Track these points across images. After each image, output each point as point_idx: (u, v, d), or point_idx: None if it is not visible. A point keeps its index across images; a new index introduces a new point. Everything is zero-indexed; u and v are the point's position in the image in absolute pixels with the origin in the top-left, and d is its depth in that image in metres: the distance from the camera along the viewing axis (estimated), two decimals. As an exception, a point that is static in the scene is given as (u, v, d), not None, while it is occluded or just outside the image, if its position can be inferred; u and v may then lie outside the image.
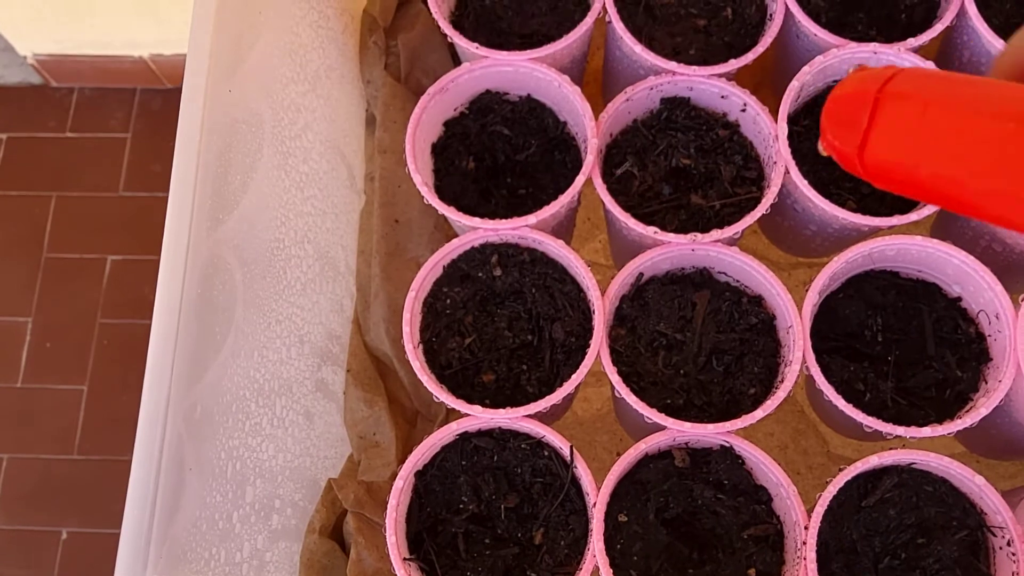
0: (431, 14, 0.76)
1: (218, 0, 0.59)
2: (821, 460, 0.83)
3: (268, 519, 0.64)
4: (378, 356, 0.81)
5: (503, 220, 0.70)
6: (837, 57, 0.73)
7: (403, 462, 0.75)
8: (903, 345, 0.71)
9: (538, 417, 0.68)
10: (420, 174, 0.72)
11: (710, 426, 0.66)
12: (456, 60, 0.86)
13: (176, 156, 0.57)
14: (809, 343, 0.67)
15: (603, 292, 0.69)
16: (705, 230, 0.73)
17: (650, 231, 0.70)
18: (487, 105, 0.77)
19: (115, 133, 1.71)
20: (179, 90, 0.58)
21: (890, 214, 0.73)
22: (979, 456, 0.82)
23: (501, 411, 0.67)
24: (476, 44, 0.74)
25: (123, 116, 1.72)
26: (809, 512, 0.64)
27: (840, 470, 0.65)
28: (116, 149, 1.70)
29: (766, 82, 0.89)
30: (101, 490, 1.56)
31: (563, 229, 0.80)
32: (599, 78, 0.92)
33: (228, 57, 0.61)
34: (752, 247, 0.88)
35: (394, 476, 0.74)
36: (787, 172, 0.71)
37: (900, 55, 0.72)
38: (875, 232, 0.73)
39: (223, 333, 0.61)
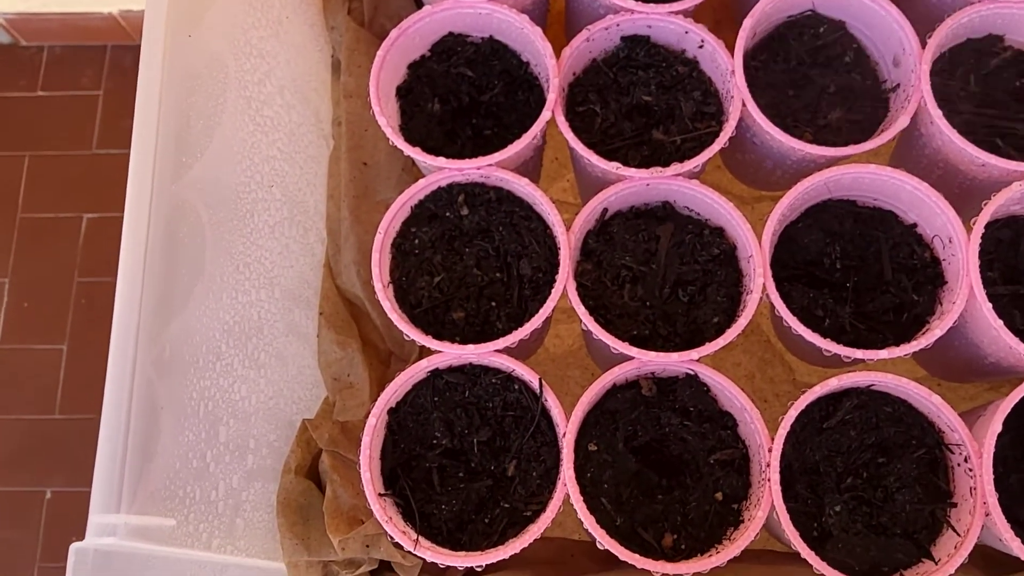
0: (392, -42, 0.77)
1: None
2: (787, 388, 0.85)
3: (243, 459, 0.66)
4: (350, 299, 0.82)
5: (469, 160, 0.71)
6: (791, -9, 0.74)
7: (376, 400, 0.77)
8: (861, 271, 0.73)
9: (510, 354, 0.70)
10: (385, 117, 0.73)
11: (674, 355, 0.67)
12: (420, 4, 0.86)
13: (137, 105, 0.58)
14: (769, 271, 0.69)
15: (559, 214, 0.71)
16: (666, 164, 0.74)
17: (612, 166, 0.71)
18: (450, 47, 0.78)
19: (86, 91, 1.69)
20: None
21: (845, 143, 0.75)
22: (939, 379, 0.84)
23: (471, 347, 0.69)
24: (436, -14, 0.75)
25: (94, 73, 1.71)
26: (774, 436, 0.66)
27: (802, 393, 0.67)
28: (88, 107, 1.69)
29: (726, 19, 0.90)
30: (84, 449, 1.55)
31: (530, 168, 0.82)
32: (562, 20, 0.93)
33: (188, 4, 0.61)
34: (716, 182, 0.89)
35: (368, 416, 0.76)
36: (744, 106, 0.72)
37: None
38: (833, 163, 0.74)
39: (191, 277, 0.62)
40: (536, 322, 0.68)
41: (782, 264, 0.73)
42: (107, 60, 1.73)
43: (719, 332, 0.70)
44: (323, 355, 0.80)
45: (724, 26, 0.89)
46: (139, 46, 0.60)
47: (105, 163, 1.67)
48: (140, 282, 0.55)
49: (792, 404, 0.66)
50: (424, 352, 0.71)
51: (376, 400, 0.77)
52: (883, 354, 0.67)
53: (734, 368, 0.86)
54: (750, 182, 0.88)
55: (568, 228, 0.71)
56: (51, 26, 1.68)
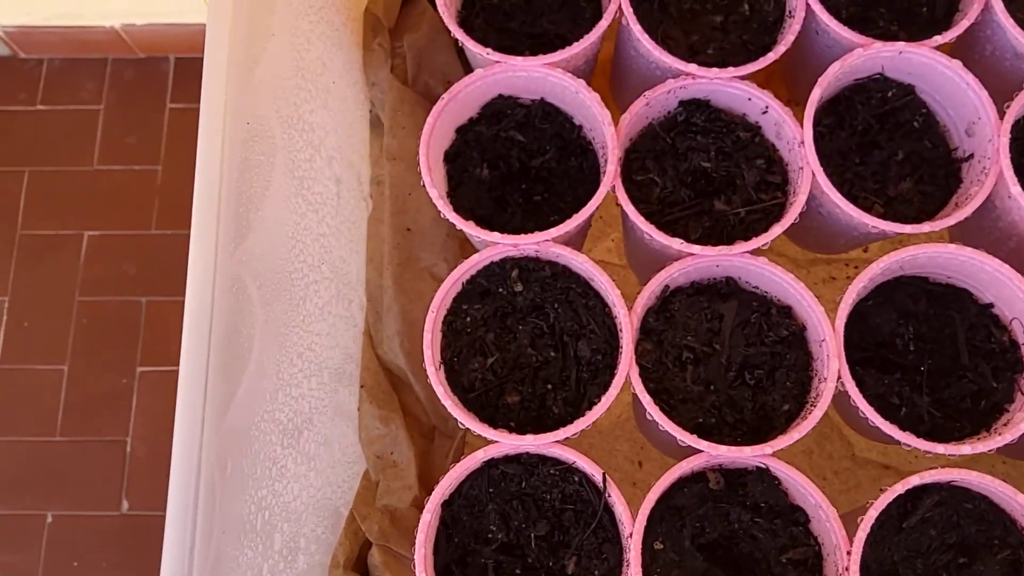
0: (437, 14, 0.73)
1: (232, 13, 0.55)
2: (847, 464, 0.82)
3: (295, 562, 0.62)
4: (391, 370, 0.78)
5: (523, 235, 0.68)
6: (862, 57, 0.70)
7: (422, 481, 0.73)
8: (935, 355, 0.69)
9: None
10: (436, 186, 0.69)
11: (747, 449, 0.64)
12: (463, 60, 0.82)
13: (197, 185, 0.54)
14: (844, 359, 0.65)
15: (618, 291, 0.67)
16: (729, 237, 0.71)
17: (676, 243, 0.67)
18: (500, 110, 0.74)
19: (87, 105, 1.65)
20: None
21: (917, 217, 0.71)
22: (1005, 458, 0.81)
23: (529, 437, 0.65)
24: (488, 49, 0.71)
25: (95, 87, 1.66)
26: (848, 530, 0.63)
27: (881, 491, 0.63)
28: (89, 121, 1.65)
29: (777, 73, 0.87)
30: (85, 472, 1.53)
31: (579, 234, 0.78)
32: (606, 69, 0.89)
33: (239, 68, 0.58)
34: (771, 244, 0.86)
35: (416, 501, 0.72)
36: (814, 176, 0.69)
37: (927, 54, 0.70)
38: (904, 237, 0.71)
39: (239, 368, 0.58)
40: (599, 411, 0.65)
41: (852, 345, 0.69)
42: (108, 73, 1.69)
43: (789, 420, 0.67)
44: (365, 431, 0.76)
45: (774, 79, 0.86)
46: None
47: (106, 179, 1.64)
48: (203, 378, 0.51)
49: (871, 504, 0.63)
50: (470, 431, 0.68)
51: (420, 479, 0.73)
52: (966, 449, 0.64)
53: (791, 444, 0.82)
54: (806, 245, 0.84)
55: (615, 291, 0.67)
56: (52, 39, 1.64)
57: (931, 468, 0.64)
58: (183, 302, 0.55)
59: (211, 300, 0.53)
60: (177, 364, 0.54)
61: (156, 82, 1.64)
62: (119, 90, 1.67)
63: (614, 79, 0.87)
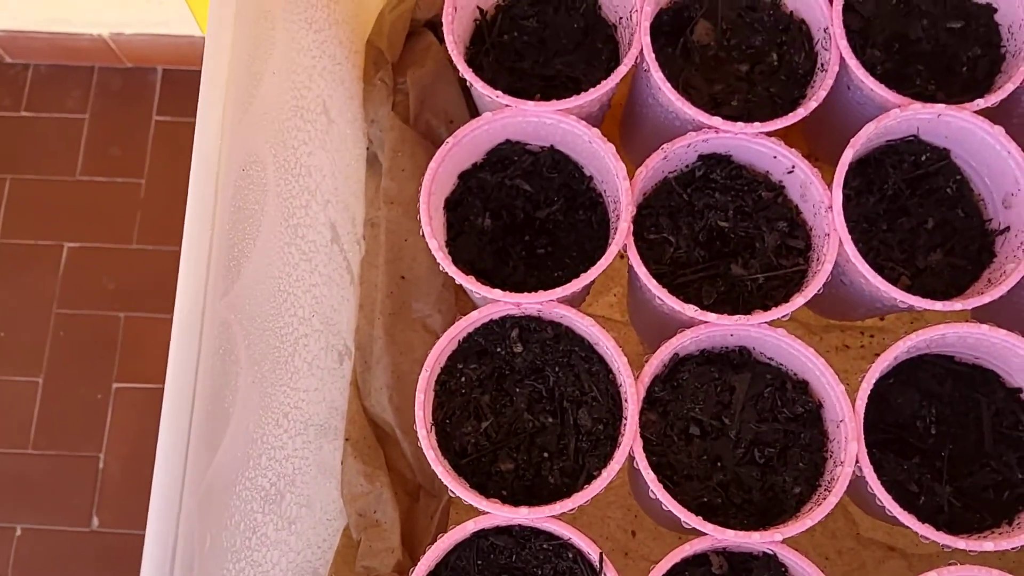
0: (444, 49, 0.69)
1: (231, 48, 0.51)
2: (850, 544, 0.77)
3: (268, 637, 0.58)
4: (378, 423, 0.74)
5: (526, 294, 0.63)
6: (898, 118, 0.66)
7: (405, 542, 0.69)
8: (958, 440, 0.65)
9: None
10: (435, 236, 0.64)
11: (755, 535, 0.60)
12: (468, 99, 0.78)
13: (187, 228, 0.50)
14: (863, 444, 0.61)
15: (624, 358, 0.63)
16: (746, 303, 0.67)
17: (690, 310, 0.63)
18: (506, 156, 0.70)
19: (72, 113, 1.62)
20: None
21: (946, 291, 0.67)
22: None
23: (522, 510, 0.60)
24: (497, 92, 0.67)
25: (80, 95, 1.63)
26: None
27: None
28: (73, 130, 1.62)
29: (796, 126, 0.82)
30: (57, 486, 1.50)
31: (583, 292, 0.74)
32: (617, 115, 0.85)
33: (235, 108, 0.53)
34: (779, 303, 0.82)
35: (399, 566, 0.68)
36: (841, 245, 0.64)
37: (968, 118, 0.66)
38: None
39: (220, 428, 0.54)
40: (598, 487, 0.61)
41: (870, 426, 0.65)
42: (94, 82, 1.66)
43: (800, 504, 0.63)
44: (347, 487, 0.71)
45: (793, 131, 0.82)
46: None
47: (89, 190, 1.61)
48: (184, 448, 0.47)
49: (886, 601, 0.59)
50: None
51: (403, 541, 0.69)
52: (988, 546, 0.60)
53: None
54: (821, 311, 0.80)
55: (628, 365, 0.63)
56: (38, 44, 1.61)
57: (949, 563, 0.60)
58: (162, 319, 0.52)
59: (197, 354, 0.49)
60: (153, 382, 0.50)
61: (143, 93, 1.61)
62: (105, 99, 1.64)
63: (625, 127, 0.83)
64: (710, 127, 0.67)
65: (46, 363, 1.53)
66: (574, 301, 0.69)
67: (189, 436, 0.47)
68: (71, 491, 1.45)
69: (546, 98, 0.67)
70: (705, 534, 0.60)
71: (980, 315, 0.72)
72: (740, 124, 0.66)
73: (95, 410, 1.49)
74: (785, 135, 0.69)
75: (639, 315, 0.78)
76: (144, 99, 1.61)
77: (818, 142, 0.79)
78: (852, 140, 0.66)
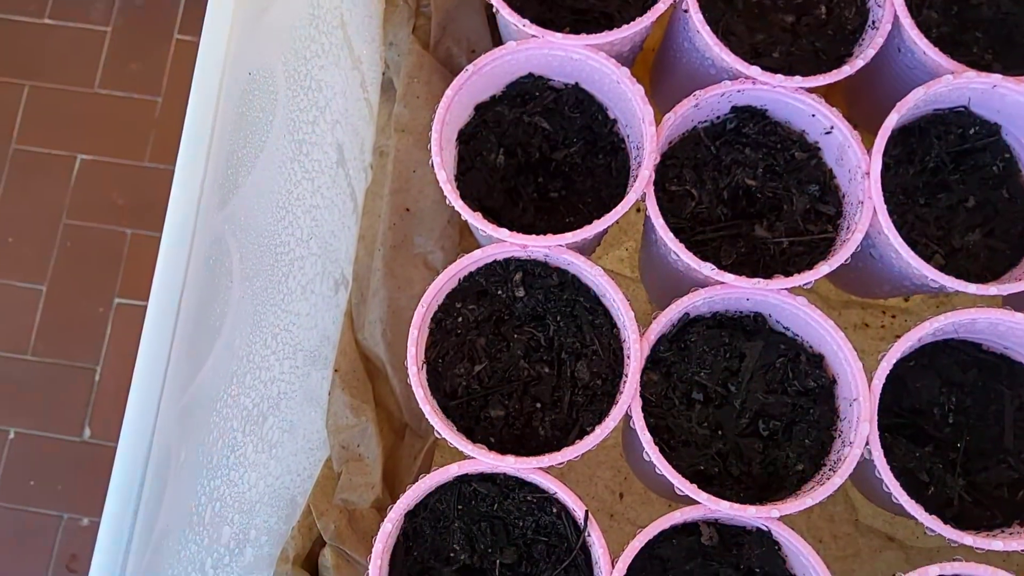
0: (474, -29, 0.64)
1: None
2: (847, 530, 0.74)
3: (242, 554, 0.56)
4: (369, 357, 0.70)
5: (534, 236, 0.60)
6: (949, 85, 0.62)
7: (386, 480, 0.66)
8: (976, 432, 0.62)
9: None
10: (445, 168, 0.61)
11: (751, 508, 0.56)
12: (493, 28, 0.74)
13: (187, 125, 0.47)
14: (876, 426, 0.58)
15: (631, 312, 0.59)
16: (767, 268, 0.63)
17: (707, 268, 0.59)
18: (527, 91, 0.66)
19: (95, 25, 1.59)
20: None
21: (980, 274, 0.63)
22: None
23: (510, 459, 0.57)
24: (525, 20, 0.63)
25: (104, 7, 1.60)
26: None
27: (894, 579, 0.56)
28: (95, 42, 1.59)
29: (839, 87, 0.78)
30: (52, 394, 1.51)
31: (594, 240, 0.70)
32: (648, 59, 0.81)
33: (248, 9, 0.50)
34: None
35: (378, 502, 0.65)
36: (875, 215, 0.60)
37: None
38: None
39: (209, 340, 0.51)
40: (590, 443, 0.57)
41: (884, 408, 0.61)
42: (119, -5, 1.63)
43: (801, 482, 0.59)
44: (333, 418, 0.68)
45: (834, 93, 0.77)
46: None
47: (106, 104, 1.59)
48: (165, 356, 0.44)
49: (882, 592, 0.55)
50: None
51: (385, 478, 0.67)
52: (997, 545, 0.56)
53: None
54: (843, 285, 0.76)
55: (634, 320, 0.59)
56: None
57: (954, 558, 0.57)
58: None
59: (185, 267, 0.46)
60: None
61: (166, 10, 1.59)
62: (128, 14, 1.62)
63: (657, 71, 0.79)
64: (747, 77, 0.63)
65: (51, 272, 1.53)
66: (584, 250, 0.65)
67: (171, 347, 0.44)
68: (66, 400, 1.46)
69: (576, 32, 0.63)
70: (698, 503, 0.57)
71: (1014, 303, 0.68)
72: (780, 76, 0.62)
73: (95, 323, 1.48)
74: (826, 95, 0.64)
75: (651, 272, 0.75)
76: (167, 17, 1.59)
77: (859, 106, 0.75)
78: (898, 104, 0.61)
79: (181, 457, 0.48)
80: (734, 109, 0.65)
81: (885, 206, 0.60)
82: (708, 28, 0.62)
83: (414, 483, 0.59)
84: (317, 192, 0.59)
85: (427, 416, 0.58)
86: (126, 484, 0.45)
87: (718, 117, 0.66)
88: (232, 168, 0.49)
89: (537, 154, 0.66)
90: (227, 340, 0.53)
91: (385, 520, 0.58)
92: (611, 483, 0.75)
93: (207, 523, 0.51)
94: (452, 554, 0.60)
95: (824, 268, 0.60)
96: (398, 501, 0.58)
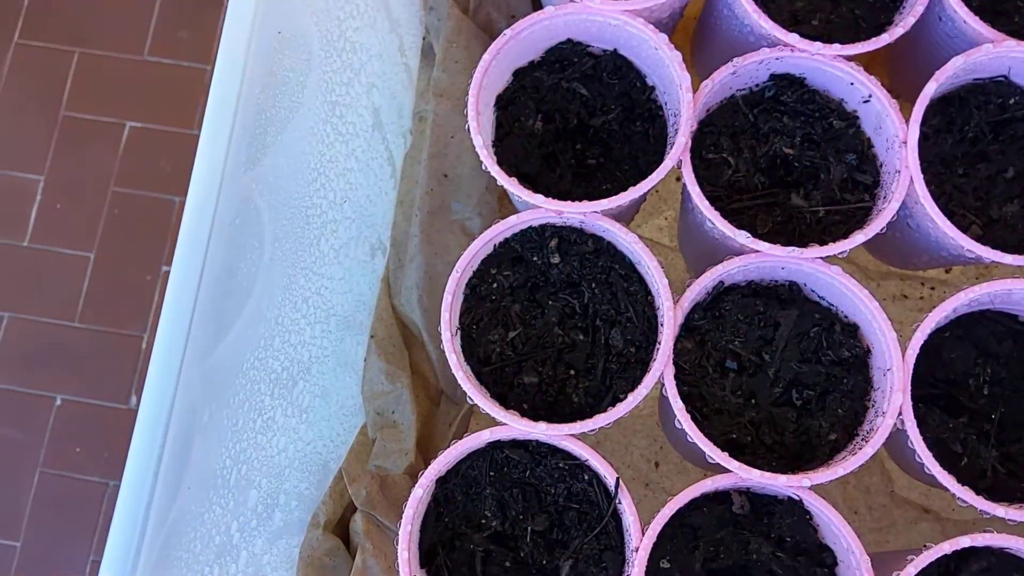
0: (514, -63, 0.65)
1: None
2: (883, 501, 0.74)
3: (270, 519, 0.57)
4: (406, 323, 0.71)
5: (570, 203, 0.60)
6: (989, 54, 0.61)
7: (420, 447, 0.67)
8: (1012, 403, 0.61)
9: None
10: (481, 134, 0.61)
11: (782, 477, 0.57)
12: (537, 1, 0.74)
13: (214, 83, 0.48)
14: (909, 396, 0.58)
15: (666, 280, 0.60)
16: (802, 237, 0.63)
17: (742, 236, 0.60)
18: (566, 56, 0.66)
19: (146, -8, 1.61)
20: None
21: (1019, 245, 0.63)
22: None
23: (542, 425, 0.58)
24: (562, -16, 0.63)
25: (154, -26, 1.62)
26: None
27: (925, 548, 0.56)
28: (144, 9, 1.60)
29: (880, 57, 0.77)
30: (99, 362, 1.53)
31: (631, 208, 0.70)
32: (690, 28, 0.80)
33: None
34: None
35: (411, 468, 0.66)
36: (912, 184, 0.60)
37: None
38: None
39: (239, 303, 0.52)
40: (623, 410, 0.58)
41: (919, 379, 0.61)
42: (173, -37, 1.64)
43: (834, 452, 0.60)
44: (368, 384, 0.69)
45: (876, 63, 0.77)
46: None
47: (155, 71, 1.61)
48: (189, 314, 0.45)
49: (911, 561, 0.56)
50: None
51: (419, 444, 0.67)
52: (1030, 517, 0.56)
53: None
54: (882, 256, 0.76)
55: (668, 288, 0.59)
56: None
57: (985, 530, 0.57)
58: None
59: (210, 225, 0.47)
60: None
61: (215, -21, 1.60)
62: (180, -18, 1.63)
63: (697, 40, 0.79)
64: (786, 44, 0.62)
65: (99, 239, 1.54)
66: (621, 217, 0.66)
67: (195, 306, 0.45)
68: (113, 368, 1.47)
69: (616, -1, 0.63)
70: (729, 471, 0.57)
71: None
72: (819, 44, 0.62)
73: (143, 291, 1.50)
74: (866, 64, 0.64)
75: (688, 240, 0.75)
76: (216, -15, 1.60)
77: (899, 75, 0.74)
78: (937, 73, 0.61)
79: (204, 419, 0.49)
80: (772, 77, 0.65)
81: (922, 175, 0.60)
82: (748, -5, 0.62)
83: (446, 449, 0.60)
84: (352, 155, 0.60)
85: (460, 382, 0.59)
86: (147, 444, 0.46)
87: (757, 85, 0.65)
88: (261, 128, 0.50)
89: (575, 120, 0.66)
90: (256, 302, 0.53)
91: (416, 486, 0.59)
92: (647, 452, 0.76)
93: (232, 485, 0.52)
94: (483, 520, 0.60)
95: (860, 237, 0.59)
96: (429, 467, 0.59)
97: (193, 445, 0.47)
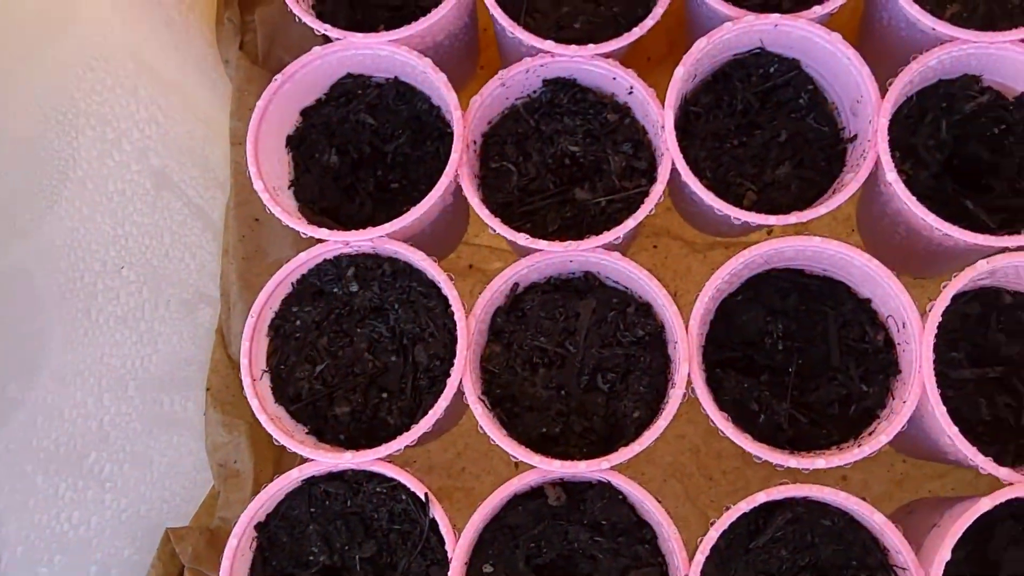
0: (289, -16, 0.67)
1: None
2: (736, 464, 0.76)
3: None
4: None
5: (355, 231, 0.63)
6: (732, 31, 0.64)
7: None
8: (805, 354, 0.64)
9: (436, 427, 0.61)
10: (263, 178, 0.64)
11: (582, 464, 0.59)
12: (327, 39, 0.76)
13: None
14: (697, 363, 0.60)
15: (455, 291, 0.62)
16: (591, 228, 0.65)
17: (520, 238, 0.62)
18: (350, 90, 0.69)
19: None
20: None
21: (793, 204, 0.65)
22: (904, 456, 0.76)
23: (348, 455, 0.60)
24: (327, 26, 0.66)
25: None
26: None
27: (726, 509, 0.58)
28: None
29: (680, 40, 0.79)
30: None
31: (447, 226, 0.73)
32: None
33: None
34: (667, 225, 0.80)
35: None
36: (675, 165, 0.63)
37: (804, 26, 0.63)
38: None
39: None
40: (424, 425, 0.60)
41: (717, 344, 0.64)
42: None
43: (639, 429, 0.62)
44: (209, 437, 0.72)
45: (679, 48, 0.79)
46: None
47: None
48: None
49: (713, 523, 0.58)
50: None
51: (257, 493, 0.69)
52: (820, 463, 0.59)
53: (677, 440, 0.77)
54: (701, 228, 0.78)
55: (459, 298, 0.62)
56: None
57: (780, 483, 0.59)
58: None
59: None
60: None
61: None
62: None
63: (500, 55, 0.81)
64: (544, 51, 0.65)
65: None
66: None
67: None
68: None
69: (391, 28, 0.66)
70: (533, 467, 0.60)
71: (860, 227, 0.70)
72: (574, 47, 0.64)
73: None
74: (670, 51, 0.66)
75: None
76: None
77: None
78: (684, 59, 0.64)
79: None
80: (545, 82, 0.67)
81: (696, 152, 0.63)
82: (500, 10, 0.65)
83: (256, 495, 0.61)
84: (128, 219, 0.62)
85: (264, 425, 0.61)
86: None
87: (534, 92, 0.68)
88: (26, 203, 0.52)
89: (368, 149, 0.69)
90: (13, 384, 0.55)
91: (231, 536, 0.60)
92: (506, 456, 0.77)
93: (17, 569, 0.53)
94: (311, 557, 0.62)
95: (630, 222, 0.62)
96: (242, 514, 0.61)
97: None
